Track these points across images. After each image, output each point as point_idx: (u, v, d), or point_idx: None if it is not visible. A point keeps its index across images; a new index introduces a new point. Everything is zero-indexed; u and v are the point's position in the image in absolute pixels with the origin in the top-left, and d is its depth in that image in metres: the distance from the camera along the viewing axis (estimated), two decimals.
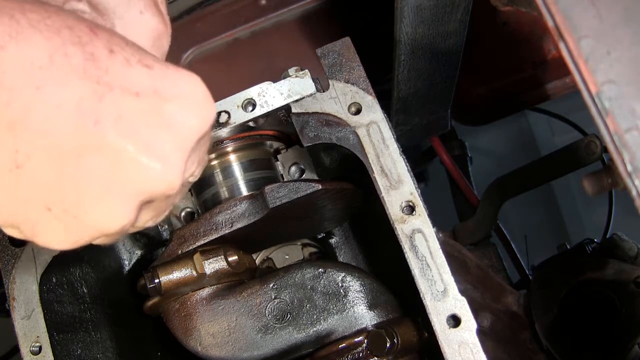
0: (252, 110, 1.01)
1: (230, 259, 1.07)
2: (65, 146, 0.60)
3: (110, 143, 0.61)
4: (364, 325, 1.06)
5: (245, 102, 1.02)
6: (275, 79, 1.02)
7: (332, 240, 1.36)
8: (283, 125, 1.08)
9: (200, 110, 0.66)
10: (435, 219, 0.93)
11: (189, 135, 0.66)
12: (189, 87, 0.66)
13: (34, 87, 0.58)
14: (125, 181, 0.63)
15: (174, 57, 1.75)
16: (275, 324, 1.06)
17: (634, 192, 0.69)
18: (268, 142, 1.18)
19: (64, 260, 1.08)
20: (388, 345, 1.04)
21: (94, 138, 0.61)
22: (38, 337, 1.01)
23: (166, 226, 1.24)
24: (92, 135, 0.61)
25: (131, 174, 0.63)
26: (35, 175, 0.61)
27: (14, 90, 0.58)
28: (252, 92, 1.02)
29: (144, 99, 0.63)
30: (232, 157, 1.13)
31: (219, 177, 1.13)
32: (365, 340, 1.05)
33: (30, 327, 1.02)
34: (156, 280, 1.02)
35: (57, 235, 0.64)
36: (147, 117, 0.63)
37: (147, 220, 0.72)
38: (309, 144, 0.99)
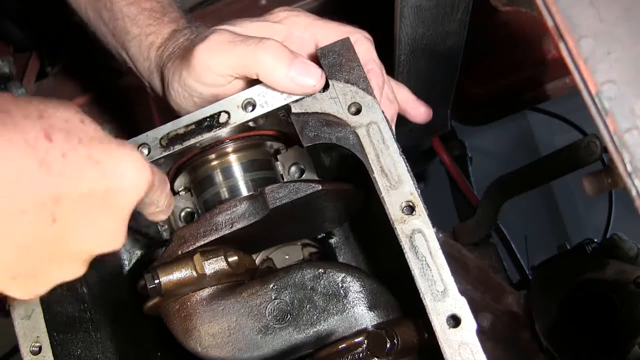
0: (252, 111, 1.01)
1: (230, 259, 1.07)
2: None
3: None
4: (364, 326, 1.06)
5: (245, 102, 1.02)
6: None
7: (332, 240, 1.36)
8: (283, 125, 1.08)
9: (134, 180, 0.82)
10: (435, 219, 0.93)
11: (124, 204, 0.82)
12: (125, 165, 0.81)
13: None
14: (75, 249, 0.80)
15: None
16: (276, 324, 1.06)
17: (634, 192, 0.69)
18: (268, 143, 1.18)
19: None
20: (388, 345, 1.04)
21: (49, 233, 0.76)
22: (38, 337, 1.01)
23: (166, 226, 1.24)
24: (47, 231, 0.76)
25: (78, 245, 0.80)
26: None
27: None
28: (252, 92, 1.02)
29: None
30: (232, 158, 1.13)
31: (219, 177, 1.13)
32: (366, 341, 1.05)
33: (30, 327, 1.02)
34: (156, 281, 1.02)
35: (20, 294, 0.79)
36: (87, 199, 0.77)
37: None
38: (309, 144, 0.99)
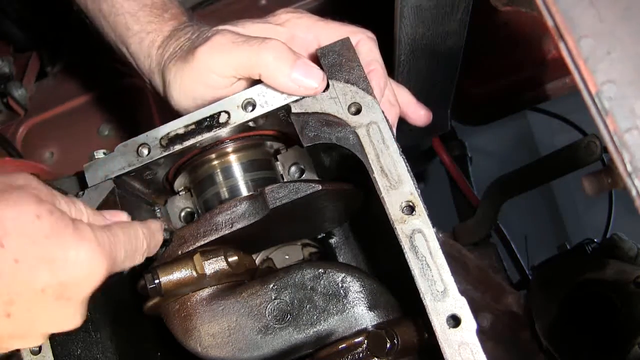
0: (252, 111, 1.01)
1: (230, 259, 1.07)
2: None
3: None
4: (364, 326, 1.06)
5: (245, 102, 1.01)
6: None
7: (332, 240, 1.36)
8: (283, 125, 1.08)
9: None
10: (435, 219, 0.93)
11: (80, 293, 0.83)
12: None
13: None
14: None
15: None
16: (276, 324, 1.06)
17: (633, 192, 0.69)
18: (268, 143, 1.18)
19: None
20: (388, 345, 1.04)
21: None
22: None
23: (166, 226, 1.24)
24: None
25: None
26: None
27: None
28: (252, 92, 1.02)
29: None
30: (232, 158, 1.13)
31: (219, 177, 1.13)
32: (366, 341, 1.05)
33: None
34: (156, 281, 1.02)
35: None
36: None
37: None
38: (309, 144, 0.99)
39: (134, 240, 0.94)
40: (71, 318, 0.84)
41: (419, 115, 1.21)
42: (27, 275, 0.77)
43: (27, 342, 0.87)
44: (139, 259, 0.96)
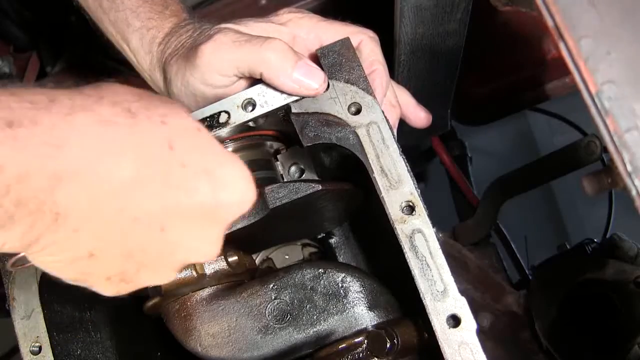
0: (252, 110, 1.01)
1: (230, 259, 1.07)
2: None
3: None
4: (364, 326, 1.06)
5: (245, 102, 1.02)
6: None
7: (332, 240, 1.36)
8: (283, 125, 1.08)
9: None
10: (435, 219, 0.93)
11: (227, 218, 0.80)
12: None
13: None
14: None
15: None
16: (275, 324, 1.06)
17: (634, 192, 0.69)
18: (268, 143, 1.18)
19: None
20: (388, 345, 1.04)
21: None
22: (38, 337, 1.01)
23: None
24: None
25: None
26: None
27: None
28: (252, 92, 1.02)
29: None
30: None
31: None
32: (365, 341, 1.05)
33: (30, 327, 1.02)
34: None
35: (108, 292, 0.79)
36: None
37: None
38: (309, 144, 0.99)
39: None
40: (212, 244, 0.81)
41: (419, 117, 1.21)
42: (191, 183, 0.73)
43: (160, 276, 0.80)
44: None
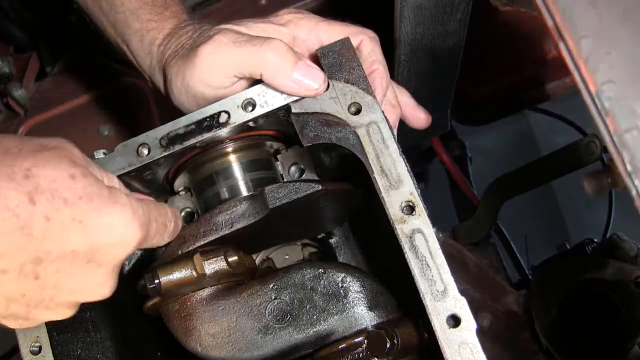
0: (252, 111, 1.01)
1: (230, 259, 1.07)
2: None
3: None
4: (364, 326, 1.06)
5: (245, 102, 1.02)
6: None
7: (332, 240, 1.36)
8: (283, 125, 1.08)
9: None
10: (435, 219, 0.93)
11: (111, 259, 0.83)
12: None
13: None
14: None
15: None
16: (275, 324, 1.06)
17: (634, 192, 0.69)
18: (268, 143, 1.18)
19: None
20: (388, 345, 1.04)
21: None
22: (38, 337, 1.01)
23: None
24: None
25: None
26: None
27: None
28: (252, 92, 1.02)
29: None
30: (232, 158, 1.13)
31: (218, 177, 1.13)
32: (365, 341, 1.05)
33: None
34: (156, 281, 1.02)
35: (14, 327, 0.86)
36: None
37: None
38: (309, 144, 0.99)
39: (164, 217, 0.94)
40: (100, 286, 0.83)
41: (418, 118, 1.21)
42: (58, 234, 0.76)
43: (55, 313, 0.84)
44: (165, 239, 0.96)
